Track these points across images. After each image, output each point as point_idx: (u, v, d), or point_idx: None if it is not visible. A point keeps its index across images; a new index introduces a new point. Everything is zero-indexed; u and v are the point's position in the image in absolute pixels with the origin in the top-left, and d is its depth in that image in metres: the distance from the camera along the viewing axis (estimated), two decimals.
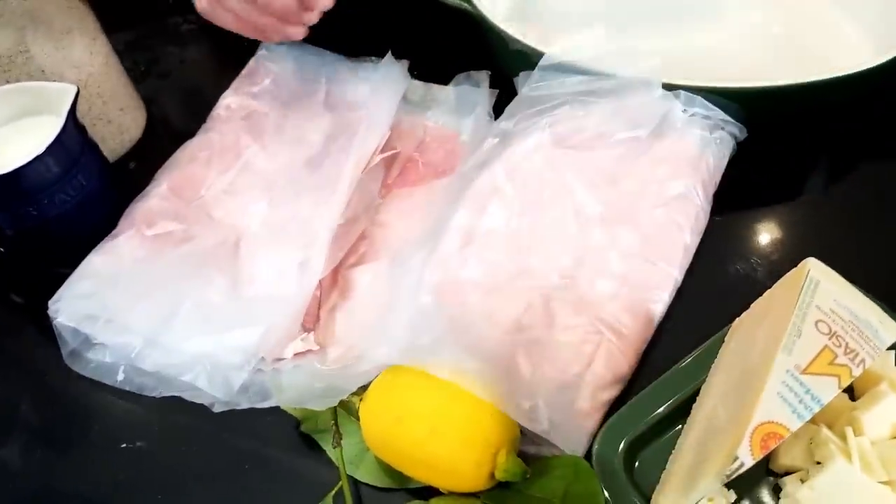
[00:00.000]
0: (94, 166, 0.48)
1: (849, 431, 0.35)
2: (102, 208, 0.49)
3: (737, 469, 0.29)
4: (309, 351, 0.44)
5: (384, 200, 0.53)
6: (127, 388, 0.44)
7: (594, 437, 0.39)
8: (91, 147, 0.48)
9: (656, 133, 0.49)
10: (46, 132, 0.45)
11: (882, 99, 0.54)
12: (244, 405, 0.42)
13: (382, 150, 0.54)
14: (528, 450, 0.39)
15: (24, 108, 0.48)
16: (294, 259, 0.46)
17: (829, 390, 0.30)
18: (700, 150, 0.48)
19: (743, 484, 0.37)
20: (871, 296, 0.35)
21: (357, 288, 0.48)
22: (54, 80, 0.50)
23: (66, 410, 0.46)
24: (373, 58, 0.60)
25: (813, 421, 0.31)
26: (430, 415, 0.37)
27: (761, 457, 0.29)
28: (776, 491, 0.37)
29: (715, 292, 0.46)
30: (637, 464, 0.39)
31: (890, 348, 0.34)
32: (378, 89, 0.55)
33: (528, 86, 0.51)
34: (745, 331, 0.38)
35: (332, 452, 0.41)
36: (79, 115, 0.48)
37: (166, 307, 0.44)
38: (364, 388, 0.40)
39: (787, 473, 0.37)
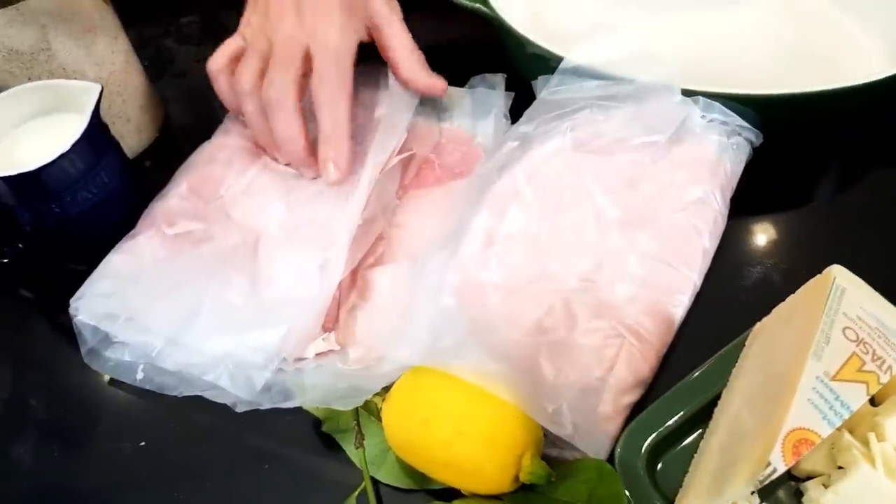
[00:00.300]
0: (117, 164, 0.48)
1: (872, 437, 0.35)
2: (123, 206, 0.49)
3: (769, 475, 0.29)
4: (330, 351, 0.44)
5: (401, 201, 0.53)
6: (147, 388, 0.44)
7: (616, 440, 0.39)
8: (113, 145, 0.48)
9: (675, 138, 0.49)
10: (69, 130, 0.45)
11: (895, 107, 0.55)
12: (267, 405, 0.42)
13: (399, 152, 0.54)
14: (550, 453, 0.40)
15: (47, 105, 0.48)
16: (314, 260, 0.47)
17: (858, 397, 0.30)
18: (718, 155, 0.49)
19: (764, 488, 0.37)
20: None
21: (376, 289, 0.48)
22: (76, 78, 0.50)
23: (81, 408, 0.46)
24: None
25: None
26: (455, 416, 0.37)
27: (793, 463, 0.29)
28: (798, 496, 0.37)
29: (732, 296, 0.46)
30: (659, 467, 0.39)
31: None
32: (395, 91, 0.56)
33: (547, 89, 0.52)
34: (768, 335, 0.39)
35: (353, 453, 0.41)
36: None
37: (187, 307, 0.45)
38: (386, 388, 0.40)
39: (809, 478, 0.37)
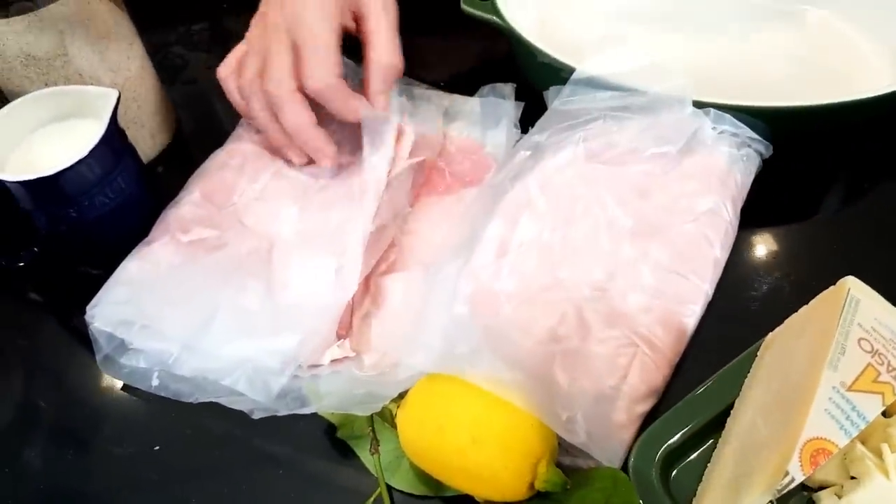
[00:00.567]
0: (133, 170, 0.48)
1: (885, 448, 0.35)
2: (139, 211, 0.49)
3: (787, 484, 0.29)
4: (346, 357, 0.44)
5: (412, 209, 0.54)
6: (162, 394, 0.44)
7: (630, 449, 0.39)
8: (130, 150, 0.49)
9: (686, 149, 0.50)
10: (86, 135, 0.45)
11: None
12: (283, 412, 0.42)
13: (409, 157, 0.54)
14: (564, 461, 0.40)
15: (64, 111, 0.48)
16: (328, 266, 0.47)
17: (873, 407, 0.31)
18: (728, 166, 0.49)
19: (778, 498, 0.37)
20: None
21: (390, 296, 0.48)
22: (91, 84, 0.51)
23: (94, 412, 0.46)
24: None
25: None
26: (471, 423, 0.37)
27: (811, 472, 0.29)
28: None
29: (743, 307, 0.47)
30: (673, 476, 0.39)
31: None
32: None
33: (559, 100, 0.52)
34: (781, 346, 0.39)
35: (367, 459, 0.41)
36: None
37: (203, 313, 0.45)
38: (401, 395, 0.40)
39: (822, 488, 0.37)
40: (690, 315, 0.44)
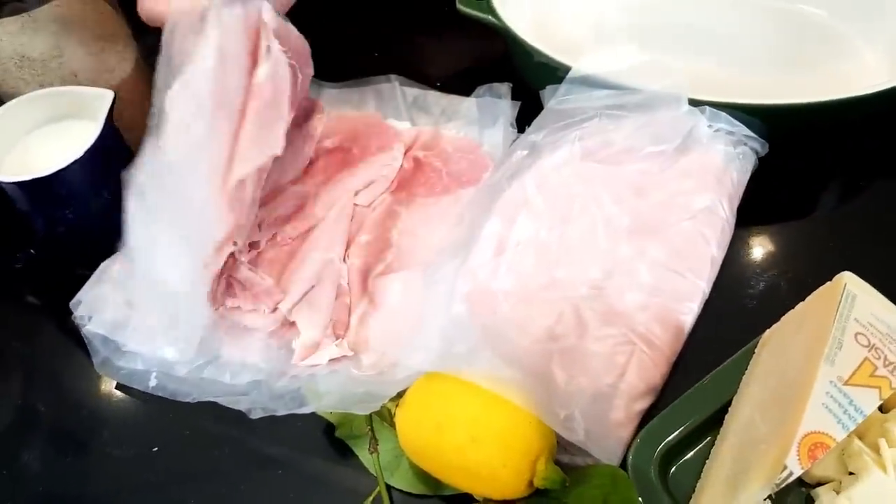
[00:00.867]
0: None
1: (882, 443, 0.35)
2: None
3: (786, 478, 0.30)
4: (344, 357, 0.44)
5: (409, 209, 0.54)
6: (159, 395, 0.44)
7: (628, 447, 0.39)
8: (126, 151, 0.48)
9: (682, 147, 0.50)
10: (81, 136, 0.45)
11: None
12: (281, 411, 0.42)
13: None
14: (562, 458, 0.40)
15: (60, 112, 0.48)
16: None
17: (870, 401, 0.31)
18: (725, 164, 0.49)
19: (776, 494, 0.37)
20: None
21: (387, 296, 0.48)
22: (87, 85, 0.50)
23: (92, 413, 0.46)
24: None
25: None
26: (470, 422, 0.37)
27: (809, 466, 0.29)
28: (808, 501, 0.38)
29: (740, 304, 0.47)
30: (671, 473, 0.39)
31: None
32: None
33: (555, 99, 0.52)
34: (779, 342, 0.39)
35: (366, 458, 0.41)
36: None
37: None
38: (399, 394, 0.40)
39: (819, 484, 0.38)
40: (688, 313, 0.44)
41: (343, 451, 0.42)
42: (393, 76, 0.61)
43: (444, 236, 0.50)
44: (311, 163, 0.56)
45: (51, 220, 0.46)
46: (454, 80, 0.63)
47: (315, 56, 0.56)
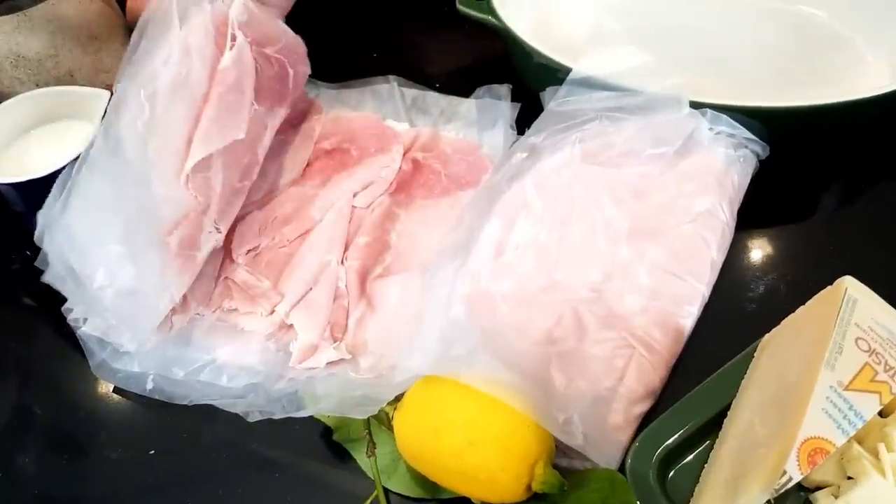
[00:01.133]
0: None
1: (881, 448, 0.35)
2: None
3: (785, 483, 0.29)
4: (341, 360, 0.44)
5: (408, 211, 0.53)
6: (156, 398, 0.44)
7: (627, 450, 0.39)
8: None
9: (683, 150, 0.50)
10: (78, 136, 0.45)
11: None
12: (279, 415, 0.41)
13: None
14: (560, 462, 0.40)
15: (56, 112, 0.48)
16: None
17: (871, 406, 0.31)
18: (725, 167, 0.49)
19: (774, 498, 0.37)
20: None
21: (385, 298, 0.48)
22: (83, 85, 0.50)
23: (89, 416, 0.46)
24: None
25: None
26: (468, 426, 0.37)
27: (809, 472, 0.29)
28: None
29: (740, 308, 0.47)
30: (670, 477, 0.39)
31: None
32: None
33: (555, 101, 0.52)
34: (778, 346, 0.39)
35: (363, 462, 0.41)
36: None
37: None
38: (397, 398, 0.40)
39: (818, 488, 0.37)
40: (687, 316, 0.44)
41: (341, 454, 0.42)
42: (391, 77, 0.61)
43: (442, 238, 0.50)
44: (309, 164, 0.56)
45: None
46: (454, 81, 0.62)
47: (313, 56, 0.56)
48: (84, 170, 0.43)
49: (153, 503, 0.42)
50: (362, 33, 0.70)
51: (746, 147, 0.50)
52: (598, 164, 0.49)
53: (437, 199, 0.54)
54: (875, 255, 0.49)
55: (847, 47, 0.60)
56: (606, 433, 0.39)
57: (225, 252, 0.50)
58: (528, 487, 0.36)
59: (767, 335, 0.41)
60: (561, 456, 0.40)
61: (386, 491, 0.40)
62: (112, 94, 0.46)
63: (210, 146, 0.46)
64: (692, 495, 0.38)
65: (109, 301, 0.43)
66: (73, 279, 0.44)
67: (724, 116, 0.49)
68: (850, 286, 0.35)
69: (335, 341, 0.45)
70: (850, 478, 0.36)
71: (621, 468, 0.39)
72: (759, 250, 0.50)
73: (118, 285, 0.43)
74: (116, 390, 0.46)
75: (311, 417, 0.42)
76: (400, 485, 0.40)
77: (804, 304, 0.39)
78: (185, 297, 0.46)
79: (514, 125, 0.57)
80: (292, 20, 0.55)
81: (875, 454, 0.36)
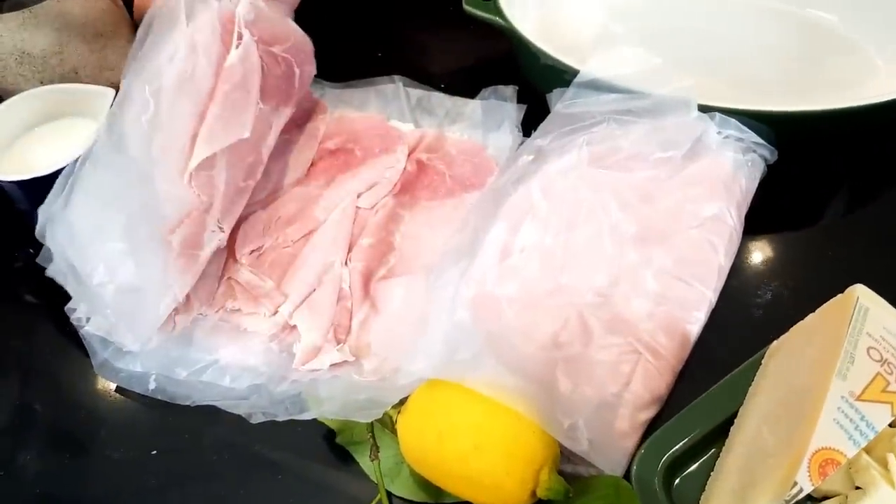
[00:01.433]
0: None
1: (891, 458, 0.35)
2: None
3: (795, 495, 0.29)
4: (345, 362, 0.44)
5: (412, 213, 0.53)
6: (159, 398, 0.44)
7: (632, 457, 0.39)
8: None
9: (691, 154, 0.49)
10: (82, 134, 0.44)
11: None
12: (282, 417, 0.41)
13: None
14: (565, 468, 0.39)
15: (61, 109, 0.48)
16: None
17: (882, 417, 0.30)
18: (734, 171, 0.49)
19: None
20: None
21: (389, 301, 0.47)
22: (88, 83, 0.50)
23: (91, 417, 0.45)
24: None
25: None
26: (473, 430, 0.36)
27: (820, 483, 0.29)
28: None
29: (747, 314, 0.46)
30: (675, 485, 0.39)
31: None
32: None
33: (562, 102, 0.52)
34: (787, 354, 0.39)
35: (366, 465, 0.41)
36: None
37: None
38: (401, 401, 0.40)
39: (826, 498, 0.37)
40: (694, 322, 0.44)
41: (343, 456, 0.42)
42: (397, 77, 0.61)
43: (447, 240, 0.49)
44: (314, 164, 0.56)
45: None
46: (458, 81, 0.62)
47: (317, 55, 0.55)
48: (87, 164, 0.43)
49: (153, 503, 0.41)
50: (366, 32, 0.70)
51: (755, 151, 0.50)
52: (605, 168, 0.49)
53: (442, 201, 0.54)
54: (883, 262, 0.48)
55: (857, 52, 0.60)
56: (612, 439, 0.39)
57: (228, 252, 0.50)
58: (533, 493, 0.36)
59: (776, 342, 0.41)
60: (566, 462, 0.39)
61: (389, 495, 0.40)
62: (117, 90, 0.46)
63: (214, 145, 0.46)
64: (698, 503, 0.38)
65: (110, 298, 0.43)
66: (73, 275, 0.44)
67: (733, 120, 0.49)
68: (861, 295, 0.34)
69: (338, 343, 0.45)
70: (858, 488, 0.36)
71: (626, 475, 0.38)
72: (766, 256, 0.50)
73: (119, 282, 0.43)
74: (119, 390, 0.45)
75: (314, 420, 0.41)
76: (403, 489, 0.40)
77: (812, 310, 0.39)
78: (188, 296, 0.46)
79: (520, 126, 0.57)
80: (297, 19, 0.55)
81: (884, 464, 0.35)
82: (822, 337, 0.35)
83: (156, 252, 0.44)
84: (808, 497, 0.38)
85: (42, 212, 0.44)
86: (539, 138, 0.51)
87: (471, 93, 0.60)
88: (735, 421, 0.39)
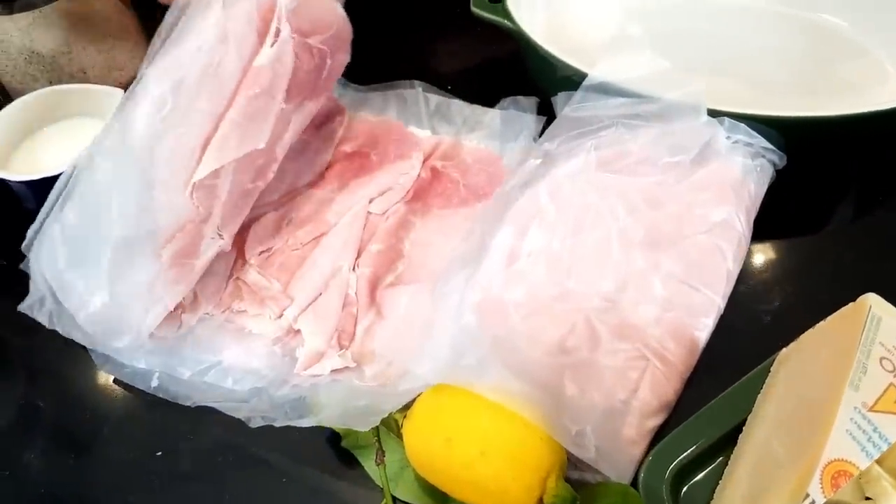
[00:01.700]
0: None
1: None
2: None
3: None
4: (346, 368, 0.44)
5: (424, 220, 0.53)
6: (160, 396, 0.44)
7: (640, 464, 0.39)
8: None
9: (700, 159, 0.49)
10: (90, 134, 0.44)
11: None
12: (281, 422, 0.41)
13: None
14: (572, 475, 0.39)
15: (69, 109, 0.48)
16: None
17: (895, 429, 0.30)
18: (743, 176, 0.49)
19: None
20: None
21: (395, 307, 0.47)
22: (96, 82, 0.50)
23: (95, 416, 0.45)
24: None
25: None
26: (479, 436, 0.36)
27: (833, 494, 0.29)
28: None
29: (755, 320, 0.46)
30: (683, 493, 0.38)
31: None
32: None
33: (570, 106, 0.51)
34: (798, 362, 0.38)
35: (371, 469, 0.41)
36: None
37: None
38: (407, 406, 0.40)
39: None
40: (702, 328, 0.44)
41: (348, 460, 0.41)
42: (417, 82, 0.60)
43: (455, 246, 0.49)
44: (329, 167, 0.55)
45: None
46: (464, 83, 0.62)
47: None
48: (94, 157, 0.41)
49: None
50: (372, 34, 0.69)
51: (764, 156, 0.49)
52: (613, 172, 0.49)
53: (455, 209, 0.53)
54: (893, 268, 0.48)
55: (866, 56, 0.59)
56: (619, 447, 0.39)
57: (238, 252, 0.50)
58: (540, 500, 0.36)
59: (785, 349, 0.40)
60: (573, 469, 0.39)
61: (393, 499, 0.40)
62: (125, 90, 0.46)
63: (225, 156, 0.43)
64: None
65: (84, 319, 0.43)
66: (52, 298, 0.44)
67: (742, 125, 0.49)
68: (874, 304, 0.34)
69: (342, 349, 0.45)
70: (868, 498, 0.35)
71: (634, 482, 0.38)
72: (775, 262, 0.49)
73: (93, 309, 0.42)
74: (122, 389, 0.45)
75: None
76: (408, 493, 0.40)
77: (821, 317, 0.39)
78: (195, 294, 0.46)
79: (538, 138, 0.56)
80: None
81: (895, 475, 0.35)
82: (833, 346, 0.35)
83: (143, 267, 0.42)
84: None
85: (32, 229, 0.43)
86: (547, 142, 0.50)
87: (477, 95, 0.60)
88: (744, 429, 0.39)
